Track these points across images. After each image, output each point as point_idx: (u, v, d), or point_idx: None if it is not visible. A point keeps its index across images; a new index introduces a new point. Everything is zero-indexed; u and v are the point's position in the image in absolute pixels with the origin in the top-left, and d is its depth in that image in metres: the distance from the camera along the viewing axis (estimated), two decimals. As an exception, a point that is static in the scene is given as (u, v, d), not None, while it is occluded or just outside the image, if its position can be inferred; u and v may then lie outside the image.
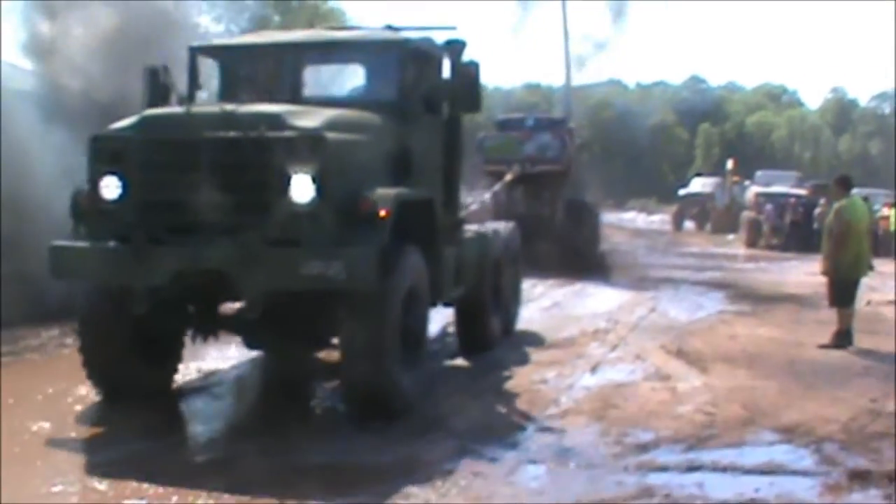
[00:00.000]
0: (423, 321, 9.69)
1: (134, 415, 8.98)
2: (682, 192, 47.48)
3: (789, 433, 8.81)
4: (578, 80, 48.24)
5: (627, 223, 49.07)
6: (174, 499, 7.01)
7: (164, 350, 9.86)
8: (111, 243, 8.65)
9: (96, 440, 8.58)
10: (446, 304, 11.62)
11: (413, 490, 7.19)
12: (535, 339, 13.46)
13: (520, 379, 11.02)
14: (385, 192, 8.75)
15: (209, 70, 11.14)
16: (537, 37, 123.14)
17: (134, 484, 7.23)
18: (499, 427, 8.97)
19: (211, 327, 9.81)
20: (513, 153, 24.81)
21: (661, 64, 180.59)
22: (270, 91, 10.23)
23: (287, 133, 8.38)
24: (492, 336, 12.62)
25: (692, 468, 7.79)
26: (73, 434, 8.67)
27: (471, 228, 12.34)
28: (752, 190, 37.80)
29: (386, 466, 7.72)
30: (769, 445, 8.52)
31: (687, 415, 9.45)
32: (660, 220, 51.48)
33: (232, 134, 8.40)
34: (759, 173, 41.39)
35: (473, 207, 22.42)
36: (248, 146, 8.35)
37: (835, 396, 10.22)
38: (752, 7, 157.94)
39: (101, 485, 7.28)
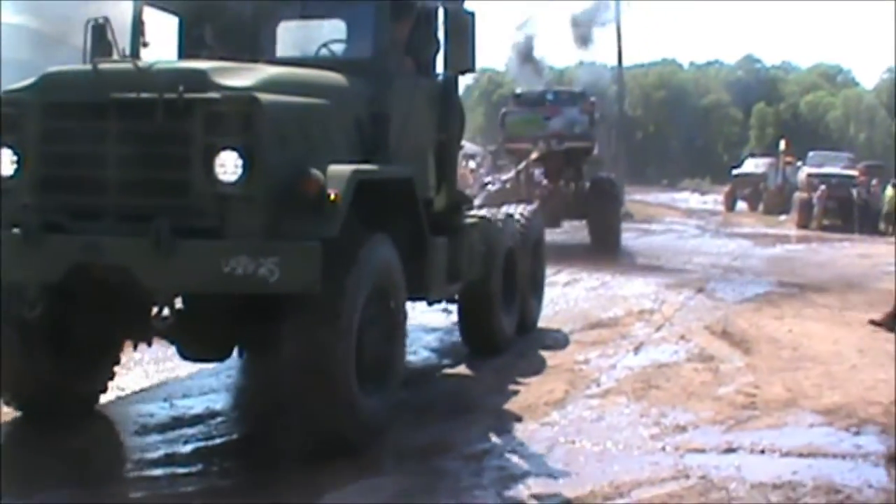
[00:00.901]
0: (394, 328, 7.91)
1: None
2: (734, 172, 47.22)
3: (831, 415, 8.71)
4: (633, 58, 48.32)
5: (681, 203, 48.99)
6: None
7: (91, 359, 8.23)
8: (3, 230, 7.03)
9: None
10: (450, 301, 10.67)
11: (446, 468, 7.21)
12: (559, 340, 12.33)
13: (562, 358, 10.99)
14: (339, 170, 7.06)
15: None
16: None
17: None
18: (536, 407, 8.90)
19: (140, 333, 7.89)
20: (538, 130, 24.12)
21: (715, 43, 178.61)
22: (235, 51, 8.31)
23: (211, 94, 6.75)
24: (502, 336, 11.15)
25: (730, 450, 7.70)
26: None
27: (476, 214, 11.11)
28: (804, 171, 37.51)
29: (420, 446, 7.71)
30: (809, 428, 8.41)
31: (728, 396, 9.36)
32: (713, 200, 51.06)
33: (144, 95, 6.77)
34: (811, 154, 41.01)
35: (493, 188, 22.45)
36: (163, 110, 6.69)
37: (877, 379, 10.10)
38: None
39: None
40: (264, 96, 6.80)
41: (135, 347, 8.69)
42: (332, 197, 6.79)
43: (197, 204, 6.74)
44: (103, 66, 7.32)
